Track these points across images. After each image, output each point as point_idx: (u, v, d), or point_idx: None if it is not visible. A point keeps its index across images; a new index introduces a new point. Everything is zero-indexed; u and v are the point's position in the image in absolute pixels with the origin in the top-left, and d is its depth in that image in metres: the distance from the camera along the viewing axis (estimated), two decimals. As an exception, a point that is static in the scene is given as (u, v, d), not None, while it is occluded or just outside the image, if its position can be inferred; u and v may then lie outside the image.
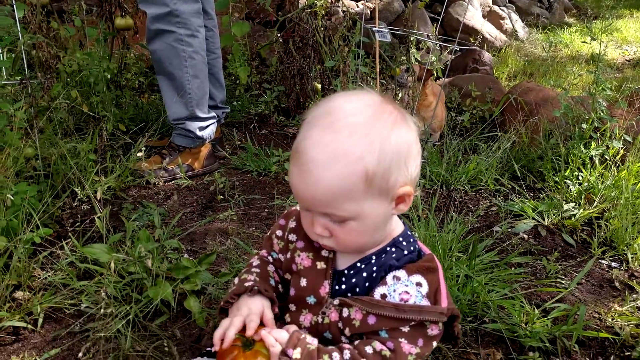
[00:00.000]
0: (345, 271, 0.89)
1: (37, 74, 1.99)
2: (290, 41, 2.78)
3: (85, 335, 1.28)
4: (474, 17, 5.31)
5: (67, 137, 2.03)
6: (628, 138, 2.27)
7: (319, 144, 0.77)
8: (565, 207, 1.98)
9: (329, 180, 0.76)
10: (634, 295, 1.57)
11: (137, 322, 1.31)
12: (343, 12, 4.25)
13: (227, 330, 0.84)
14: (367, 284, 0.86)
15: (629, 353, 1.34)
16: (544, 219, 1.95)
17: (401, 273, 0.84)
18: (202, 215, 1.91)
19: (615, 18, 7.08)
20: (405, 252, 0.87)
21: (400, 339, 0.80)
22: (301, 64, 2.78)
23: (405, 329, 0.80)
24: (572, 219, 1.94)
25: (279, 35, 3.00)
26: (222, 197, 2.04)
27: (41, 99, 1.97)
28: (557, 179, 2.19)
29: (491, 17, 5.74)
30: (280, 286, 0.98)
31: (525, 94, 2.76)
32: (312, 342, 0.82)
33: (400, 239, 0.89)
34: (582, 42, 5.36)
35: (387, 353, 0.79)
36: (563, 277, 1.64)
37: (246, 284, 0.92)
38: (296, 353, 0.79)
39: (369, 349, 0.80)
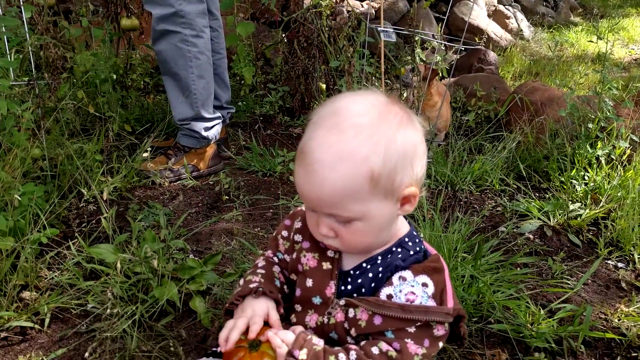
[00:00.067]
0: (351, 272, 0.89)
1: (44, 75, 2.00)
2: (295, 41, 2.78)
3: (91, 335, 1.28)
4: (479, 16, 5.29)
5: (74, 138, 2.05)
6: (635, 138, 2.26)
7: (324, 145, 0.77)
8: (571, 207, 1.97)
9: (334, 180, 0.76)
10: (641, 296, 1.56)
11: (143, 322, 1.31)
12: (348, 12, 4.25)
13: (230, 332, 0.84)
14: (373, 285, 0.86)
15: (635, 354, 1.33)
16: (549, 219, 1.95)
17: (407, 273, 0.84)
18: (207, 216, 1.91)
19: (621, 17, 7.04)
20: (411, 252, 0.87)
21: (406, 340, 0.80)
22: (306, 64, 2.78)
23: (412, 330, 0.80)
24: (578, 219, 1.93)
25: (283, 35, 3.00)
26: (227, 197, 2.05)
27: (48, 100, 1.98)
28: (563, 179, 2.19)
29: (496, 16, 5.72)
30: (285, 287, 0.98)
31: (530, 93, 2.75)
32: (319, 342, 0.82)
33: (406, 239, 0.89)
34: (589, 41, 5.33)
35: (394, 354, 0.79)
36: (569, 277, 1.63)
37: (251, 286, 0.92)
38: (302, 354, 0.79)
39: (375, 350, 0.80)
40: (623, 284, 1.63)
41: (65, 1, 3.54)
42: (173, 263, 1.43)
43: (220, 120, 2.27)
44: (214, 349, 0.99)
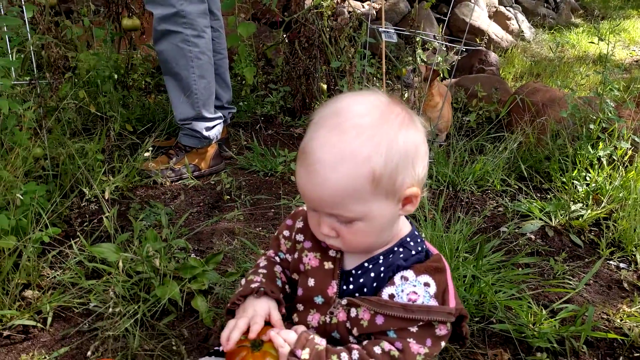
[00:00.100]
0: (353, 271, 0.89)
1: (45, 75, 2.00)
2: (296, 42, 2.78)
3: (93, 334, 1.29)
4: (480, 17, 5.29)
5: (75, 137, 2.05)
6: (636, 138, 2.26)
7: (326, 145, 0.77)
8: (573, 207, 1.97)
9: (336, 181, 0.76)
10: (643, 297, 1.56)
11: (145, 321, 1.31)
12: (349, 12, 4.25)
13: (231, 332, 0.85)
14: (374, 284, 0.86)
15: (637, 354, 1.33)
16: (551, 220, 1.95)
17: (409, 273, 0.84)
18: (208, 215, 1.92)
19: (622, 18, 7.04)
20: (413, 252, 0.87)
21: (408, 339, 0.80)
22: (307, 65, 2.78)
23: (414, 329, 0.81)
24: (580, 219, 1.93)
25: (285, 35, 3.00)
26: (228, 197, 2.05)
27: (50, 99, 1.98)
28: (564, 180, 2.18)
29: (497, 17, 5.72)
30: (287, 287, 0.98)
31: (532, 94, 2.75)
32: (321, 342, 0.82)
33: (408, 239, 0.89)
34: (590, 42, 5.33)
35: (396, 353, 0.80)
36: (571, 277, 1.63)
37: (252, 286, 0.92)
38: (305, 353, 0.79)
39: (377, 349, 0.80)
40: (625, 285, 1.63)
41: (67, 1, 3.54)
42: (175, 262, 1.44)
43: (221, 120, 2.27)
44: (216, 348, 0.99)
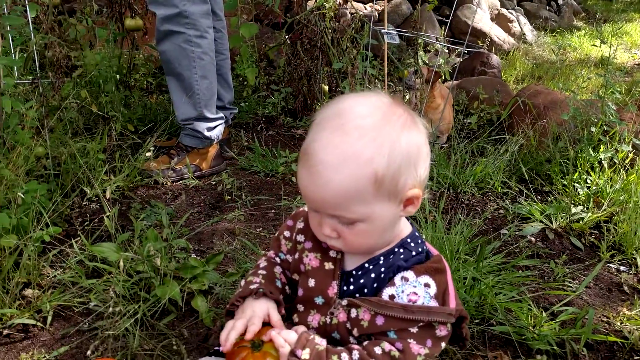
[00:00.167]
0: (353, 272, 0.89)
1: (48, 74, 2.01)
2: (298, 43, 2.78)
3: (93, 333, 1.29)
4: (482, 20, 5.30)
5: (77, 137, 2.05)
6: (637, 142, 2.26)
7: (328, 146, 0.77)
8: (574, 210, 1.97)
9: (338, 182, 0.76)
10: (643, 300, 1.56)
11: (145, 320, 1.31)
12: (351, 14, 4.25)
13: (229, 333, 0.85)
14: (375, 285, 0.86)
15: (638, 357, 1.33)
16: (551, 222, 1.95)
17: (409, 274, 0.84)
18: (209, 216, 1.92)
19: (624, 21, 7.04)
20: (413, 253, 0.87)
21: (409, 340, 0.80)
22: (309, 66, 2.78)
23: (414, 330, 0.81)
24: (581, 222, 1.93)
25: (287, 37, 3.01)
26: (229, 197, 2.05)
27: (52, 99, 1.99)
28: (565, 182, 2.18)
29: (499, 20, 5.72)
30: (287, 288, 0.98)
31: (533, 97, 2.75)
32: (321, 342, 0.82)
33: (409, 240, 0.89)
34: (592, 45, 5.32)
35: (396, 353, 0.80)
36: (571, 280, 1.63)
37: (251, 287, 0.92)
38: (305, 353, 0.79)
39: (377, 350, 0.80)
40: (625, 288, 1.63)
41: (70, 1, 3.55)
42: (175, 262, 1.44)
43: (223, 121, 2.27)
44: (216, 348, 0.99)
